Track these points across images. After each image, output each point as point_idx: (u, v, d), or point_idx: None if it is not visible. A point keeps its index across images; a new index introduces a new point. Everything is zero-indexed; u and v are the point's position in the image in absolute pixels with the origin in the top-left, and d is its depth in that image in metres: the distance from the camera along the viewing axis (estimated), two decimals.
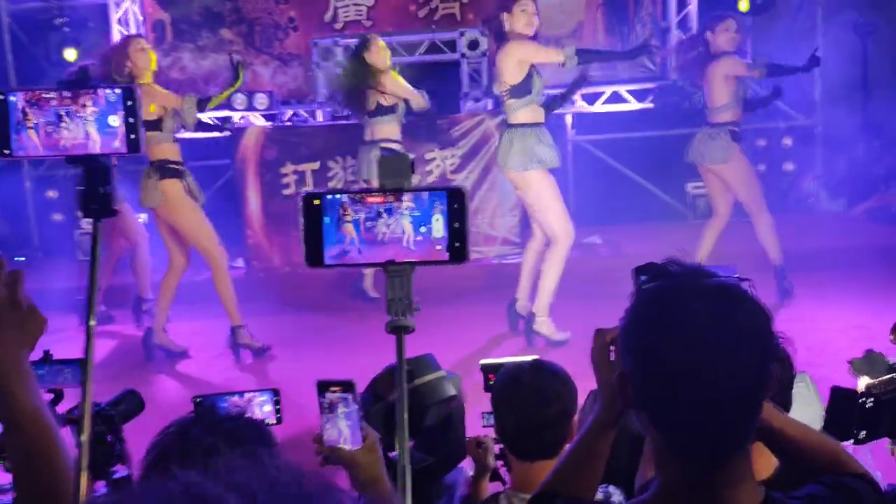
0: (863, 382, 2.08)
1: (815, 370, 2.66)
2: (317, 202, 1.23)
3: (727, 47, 5.18)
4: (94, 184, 1.33)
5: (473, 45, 7.02)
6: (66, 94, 1.32)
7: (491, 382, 2.33)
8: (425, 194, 1.23)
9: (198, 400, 1.99)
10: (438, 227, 1.23)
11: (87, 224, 7.35)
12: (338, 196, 1.23)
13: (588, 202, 7.25)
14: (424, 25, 7.45)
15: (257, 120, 7.47)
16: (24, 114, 1.31)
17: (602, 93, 7.39)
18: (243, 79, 5.01)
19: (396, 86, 5.31)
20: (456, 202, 1.23)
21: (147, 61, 4.66)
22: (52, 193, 7.81)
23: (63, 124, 1.31)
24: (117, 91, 1.32)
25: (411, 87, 5.36)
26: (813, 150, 7.62)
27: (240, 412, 1.81)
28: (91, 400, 1.38)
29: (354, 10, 7.49)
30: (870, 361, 2.13)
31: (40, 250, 7.79)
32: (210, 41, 7.63)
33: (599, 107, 7.45)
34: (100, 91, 1.32)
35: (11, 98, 1.31)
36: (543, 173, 4.68)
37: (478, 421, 2.35)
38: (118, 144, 1.33)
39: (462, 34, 7.10)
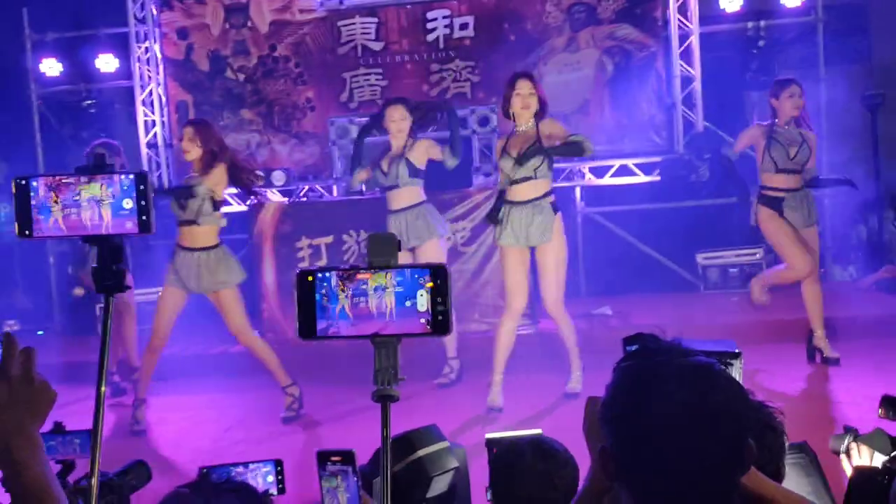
0: (866, 459, 2.07)
1: (822, 442, 2.66)
2: (310, 278, 1.33)
3: (793, 112, 5.25)
4: (107, 262, 1.43)
5: (484, 121, 7.23)
6: (84, 178, 1.44)
7: None
8: (410, 271, 1.32)
9: (204, 470, 2.05)
10: (423, 301, 1.32)
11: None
12: (328, 273, 1.33)
13: (598, 273, 7.33)
14: None
15: (274, 196, 7.68)
16: (45, 197, 1.43)
17: (610, 166, 7.56)
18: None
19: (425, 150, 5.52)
20: (439, 279, 1.32)
21: (185, 152, 5.02)
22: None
23: (80, 207, 1.43)
24: (131, 177, 1.44)
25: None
26: (821, 220, 7.68)
27: (240, 481, 1.87)
28: (99, 464, 1.42)
29: (369, 91, 7.77)
30: (872, 438, 2.09)
31: (61, 324, 7.95)
32: (231, 121, 7.93)
33: (608, 179, 7.60)
34: (115, 177, 1.43)
35: (33, 183, 1.43)
36: (507, 249, 4.98)
37: (482, 494, 2.36)
38: (130, 225, 1.44)
39: (473, 111, 7.33)
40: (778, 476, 1.77)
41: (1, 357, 1.22)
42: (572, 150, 4.87)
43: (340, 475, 1.84)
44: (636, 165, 7.52)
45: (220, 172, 4.98)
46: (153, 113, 8.01)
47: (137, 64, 7.95)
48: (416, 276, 1.32)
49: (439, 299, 1.32)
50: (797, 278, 5.32)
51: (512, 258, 4.99)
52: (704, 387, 1.15)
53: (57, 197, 1.42)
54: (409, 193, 5.47)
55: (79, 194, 1.42)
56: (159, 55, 7.99)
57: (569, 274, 5.23)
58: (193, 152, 4.97)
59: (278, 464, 2.10)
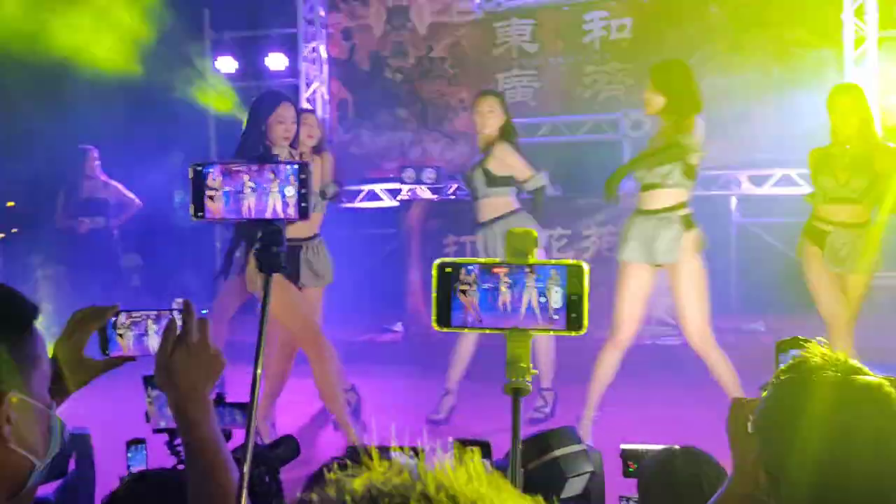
0: None
1: None
2: (449, 269, 1.37)
3: (843, 129, 4.65)
4: (268, 244, 1.55)
5: (637, 125, 7.09)
6: (254, 167, 1.56)
7: (630, 469, 2.32)
8: (546, 268, 1.34)
9: (350, 448, 2.15)
10: (557, 298, 1.33)
11: None
12: (466, 265, 1.36)
13: (751, 287, 7.00)
14: (588, 107, 7.63)
15: (424, 193, 7.88)
16: (217, 182, 1.56)
17: (771, 175, 7.20)
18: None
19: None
20: (575, 276, 1.33)
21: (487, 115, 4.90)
22: (240, 254, 8.54)
23: (248, 193, 1.55)
24: (294, 167, 1.55)
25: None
26: None
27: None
28: (253, 442, 1.52)
29: (521, 92, 7.80)
30: None
31: None
32: (387, 119, 8.20)
33: (768, 189, 7.24)
34: (280, 166, 1.55)
35: (208, 169, 1.57)
36: (624, 263, 4.47)
37: (615, 502, 2.34)
38: (291, 211, 1.55)
39: (625, 115, 7.20)
40: None
41: (182, 324, 1.34)
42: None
43: None
44: (800, 176, 7.11)
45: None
46: (314, 109, 8.41)
47: (304, 63, 8.39)
48: (553, 272, 1.34)
49: (574, 297, 1.32)
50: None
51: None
52: (869, 410, 1.09)
53: (228, 182, 1.55)
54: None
55: (248, 181, 1.54)
56: (325, 55, 8.38)
57: (720, 287, 4.95)
58: (496, 120, 4.81)
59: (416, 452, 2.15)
